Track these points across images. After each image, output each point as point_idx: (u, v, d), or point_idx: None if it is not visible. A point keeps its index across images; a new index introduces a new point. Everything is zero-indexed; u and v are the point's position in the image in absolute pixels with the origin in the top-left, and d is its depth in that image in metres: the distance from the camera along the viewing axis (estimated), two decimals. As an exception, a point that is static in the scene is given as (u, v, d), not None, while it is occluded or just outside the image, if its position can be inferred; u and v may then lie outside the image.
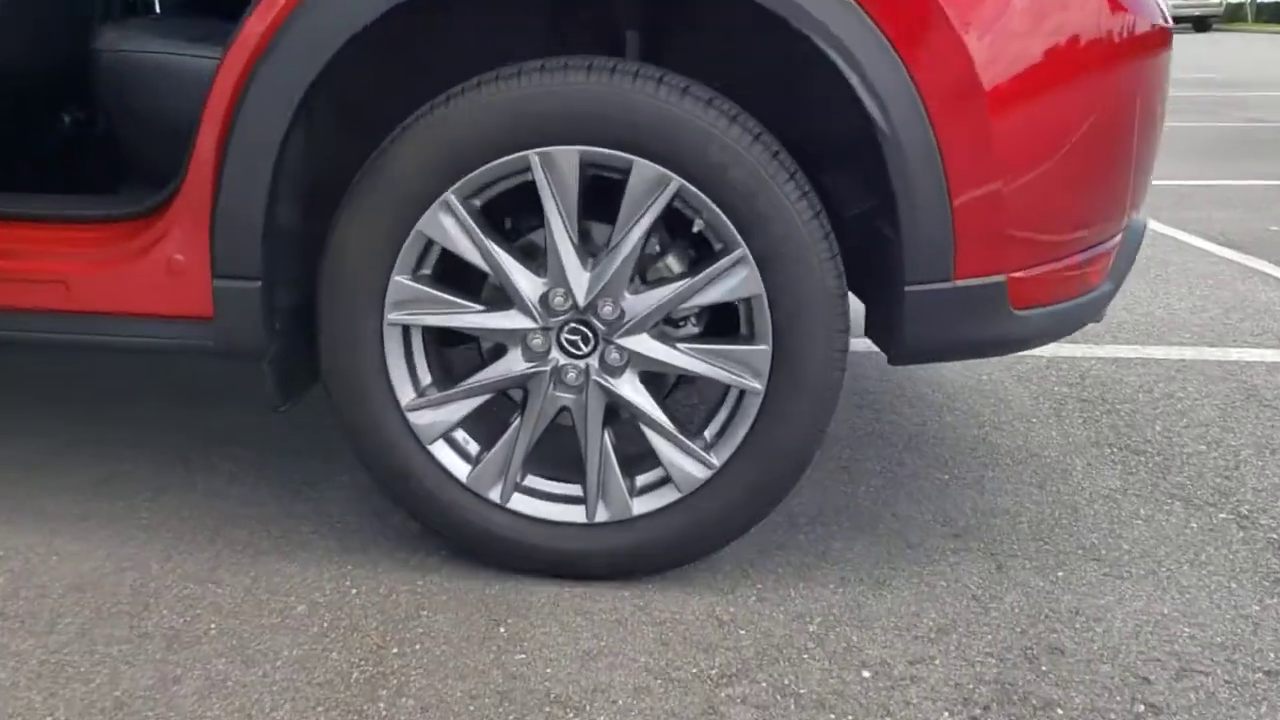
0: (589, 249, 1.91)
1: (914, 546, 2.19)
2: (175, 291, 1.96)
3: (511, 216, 2.04)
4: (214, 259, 1.89)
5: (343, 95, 2.01)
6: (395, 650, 1.81)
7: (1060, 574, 2.10)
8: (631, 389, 1.91)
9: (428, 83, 1.89)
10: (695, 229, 1.85)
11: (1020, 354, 3.32)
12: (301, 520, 2.23)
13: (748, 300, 1.85)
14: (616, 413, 1.97)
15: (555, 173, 1.80)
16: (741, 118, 1.78)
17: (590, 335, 1.90)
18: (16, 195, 2.16)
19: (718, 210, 1.79)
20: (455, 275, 1.96)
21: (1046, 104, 1.81)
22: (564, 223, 1.83)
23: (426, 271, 1.91)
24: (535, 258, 1.91)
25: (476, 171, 1.81)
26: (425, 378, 1.97)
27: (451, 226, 1.85)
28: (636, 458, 2.02)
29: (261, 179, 1.84)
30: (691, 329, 1.97)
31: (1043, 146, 1.82)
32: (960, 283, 1.83)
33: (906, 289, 1.83)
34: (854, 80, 1.73)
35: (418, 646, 1.82)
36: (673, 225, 1.94)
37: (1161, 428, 2.80)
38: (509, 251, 1.87)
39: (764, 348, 1.85)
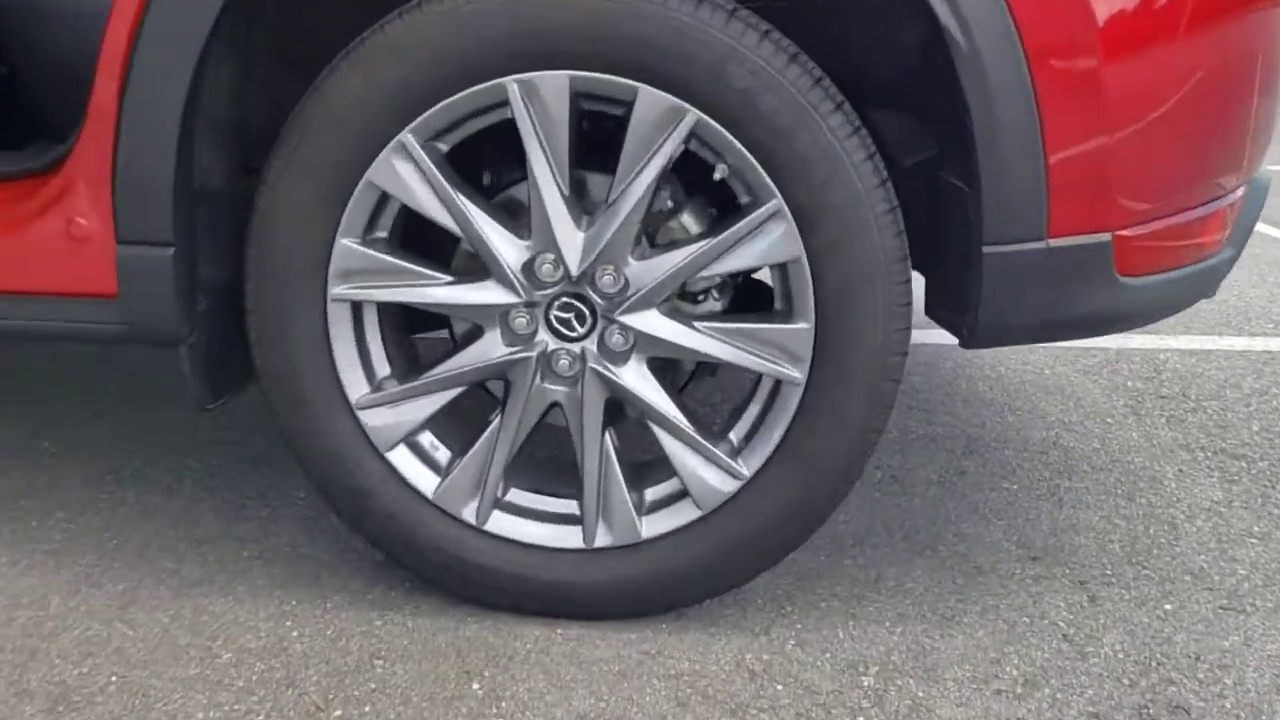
0: (584, 205, 1.53)
1: (985, 573, 1.80)
2: (77, 263, 1.58)
3: (490, 168, 1.66)
4: (116, 221, 1.52)
5: (280, 21, 1.63)
6: (338, 713, 1.42)
7: (1168, 607, 1.71)
8: (638, 379, 1.52)
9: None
10: (717, 177, 1.46)
11: (1085, 345, 2.92)
12: (244, 543, 1.85)
13: (784, 266, 1.47)
14: (621, 409, 1.59)
15: (539, 105, 1.42)
16: (774, 34, 1.39)
17: (586, 313, 1.51)
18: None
19: (745, 151, 1.41)
20: (419, 239, 1.58)
21: (1168, 22, 1.43)
22: (552, 170, 1.45)
23: (381, 234, 1.53)
24: (519, 217, 1.53)
25: (439, 105, 1.43)
26: (382, 368, 1.59)
27: (409, 175, 1.47)
28: (646, 466, 1.64)
29: (167, 125, 1.46)
30: (713, 304, 1.58)
31: (1162, 71, 1.44)
32: (1055, 242, 1.45)
33: (985, 250, 1.44)
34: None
35: (367, 709, 1.43)
36: (689, 174, 1.55)
37: (1260, 427, 2.40)
38: (484, 207, 1.49)
39: (805, 326, 1.46)
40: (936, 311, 1.66)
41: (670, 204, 1.55)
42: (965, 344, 1.53)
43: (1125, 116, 1.42)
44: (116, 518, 1.93)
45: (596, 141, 1.54)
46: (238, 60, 1.57)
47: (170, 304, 1.52)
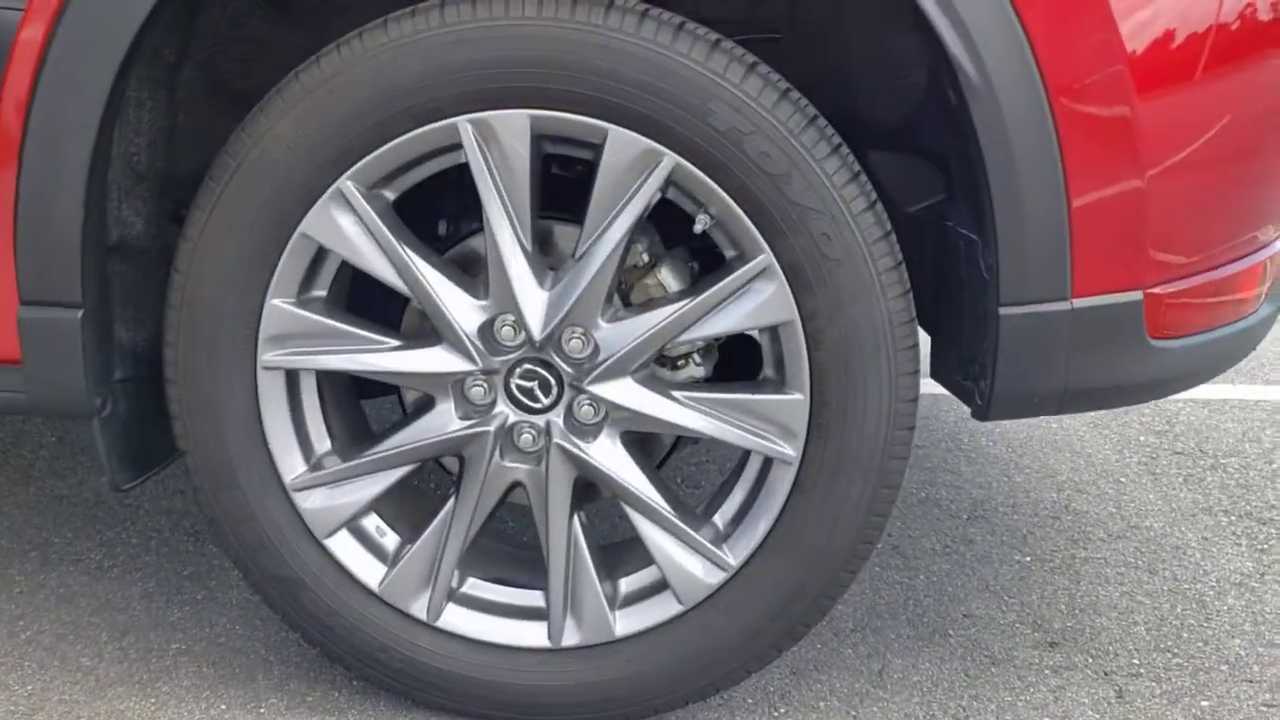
0: (550, 259, 1.36)
1: (1000, 662, 1.62)
2: (-24, 325, 1.40)
3: (447, 215, 1.49)
4: (18, 279, 1.34)
5: (212, 57, 1.46)
6: None
7: (1205, 703, 1.53)
8: (611, 456, 1.34)
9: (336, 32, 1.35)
10: (698, 229, 1.29)
11: (1092, 396, 2.75)
12: (173, 632, 1.66)
13: (774, 330, 1.29)
14: (591, 488, 1.41)
15: (496, 149, 1.25)
16: (761, 68, 1.23)
17: (552, 381, 1.34)
18: None
19: (729, 201, 1.24)
20: (366, 297, 1.41)
21: (1205, 53, 1.27)
22: (511, 222, 1.28)
23: (319, 293, 1.36)
24: (478, 272, 1.36)
25: (383, 149, 1.26)
26: (321, 443, 1.41)
27: (349, 227, 1.29)
28: (621, 549, 1.46)
29: (73, 173, 1.28)
30: (695, 369, 1.40)
31: (1199, 107, 1.28)
32: (1080, 302, 1.28)
33: (1001, 311, 1.27)
34: (940, 20, 1.18)
35: (296, 843, 1.25)
36: (667, 223, 1.38)
37: (1285, 488, 2.23)
38: (435, 263, 1.32)
39: (798, 397, 1.29)
40: (945, 376, 1.49)
41: (646, 258, 1.38)
42: (979, 415, 1.35)
43: (1158, 158, 1.26)
44: (33, 604, 1.73)
45: (565, 186, 1.37)
46: (163, 101, 1.40)
47: (78, 373, 1.34)
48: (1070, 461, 2.35)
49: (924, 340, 1.53)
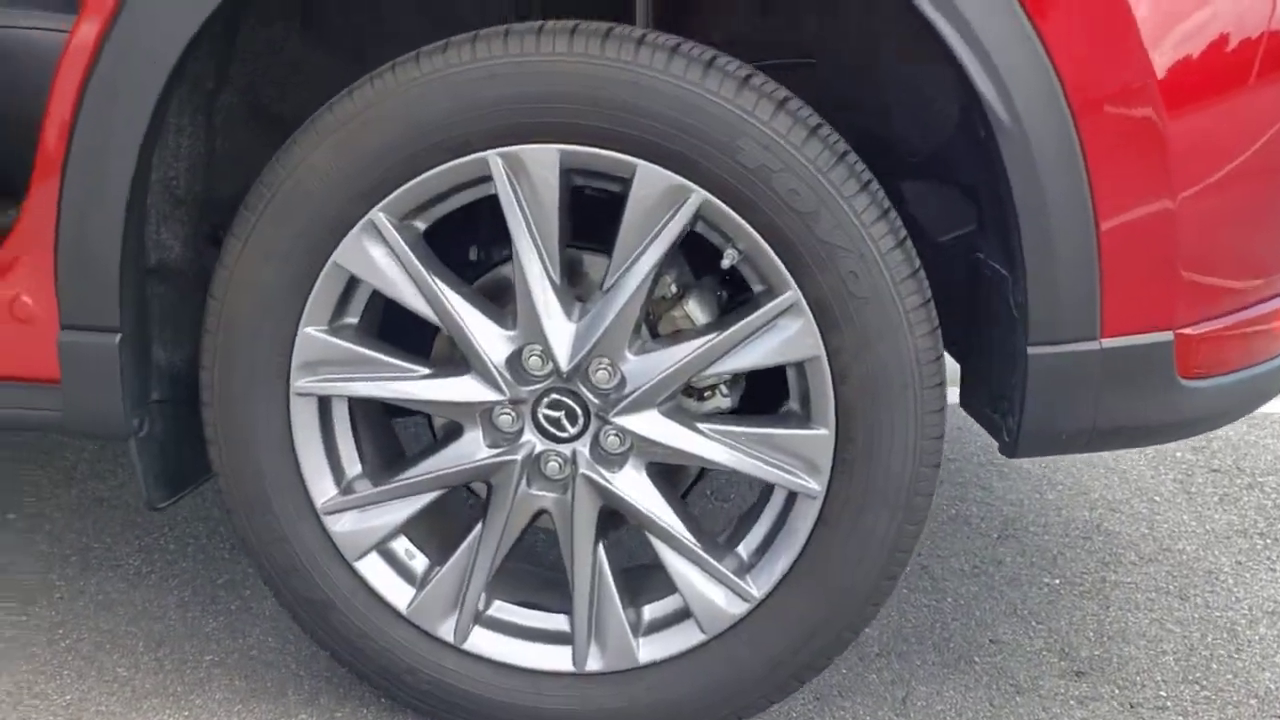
0: (578, 289, 1.37)
1: (1025, 692, 1.61)
2: (19, 345, 1.43)
3: (479, 242, 1.50)
4: (60, 303, 1.37)
5: (250, 81, 1.48)
6: None
7: (1233, 739, 1.52)
8: (635, 486, 1.35)
9: (373, 58, 1.36)
10: (725, 264, 1.29)
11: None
12: (207, 643, 1.69)
13: (800, 365, 1.29)
14: (616, 515, 1.42)
15: (526, 183, 1.26)
16: (791, 103, 1.23)
17: (578, 410, 1.35)
18: None
19: (758, 237, 1.24)
20: (397, 321, 1.42)
21: (1240, 95, 1.25)
22: (540, 254, 1.29)
23: (350, 320, 1.37)
24: (505, 301, 1.37)
25: (414, 182, 1.28)
26: (353, 466, 1.43)
27: (381, 258, 1.31)
28: (645, 574, 1.47)
29: (115, 195, 1.31)
30: (721, 400, 1.41)
31: (1232, 149, 1.26)
32: (1109, 343, 1.27)
33: (1029, 351, 1.26)
34: (956, 44, 1.18)
35: None
36: (695, 254, 1.39)
37: (1324, 510, 2.20)
38: (464, 293, 1.33)
39: (823, 433, 1.29)
40: (974, 408, 1.48)
41: (674, 289, 1.38)
42: (1006, 452, 1.35)
43: (1190, 188, 1.24)
44: (73, 611, 1.77)
45: (593, 208, 1.38)
46: (201, 127, 1.42)
47: (116, 396, 1.37)
48: (1104, 478, 2.33)
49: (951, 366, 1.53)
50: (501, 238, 1.40)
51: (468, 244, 1.50)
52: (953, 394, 1.42)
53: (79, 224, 1.32)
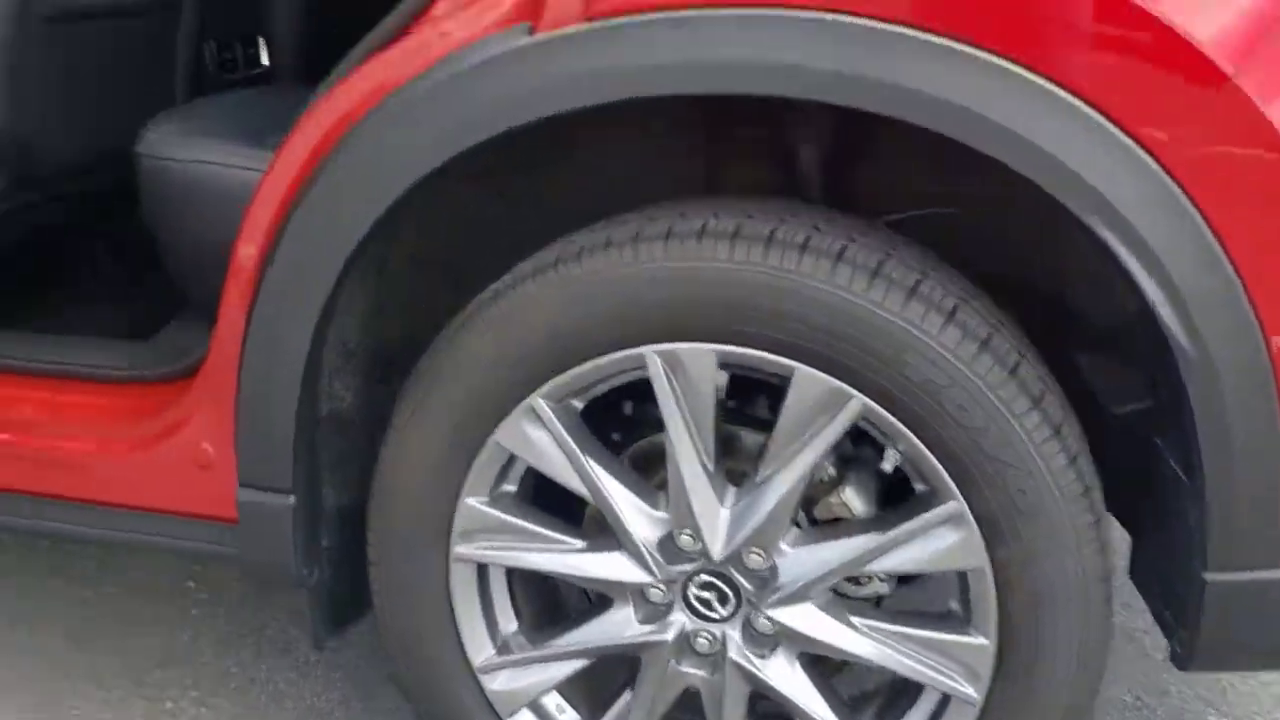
0: (731, 471, 1.35)
1: None
2: (201, 487, 1.52)
3: (634, 404, 1.50)
4: (239, 459, 1.43)
5: (419, 236, 1.51)
6: None
7: None
8: (785, 675, 1.34)
9: (543, 224, 1.37)
10: (886, 468, 1.26)
11: None
12: (369, 750, 1.77)
13: (963, 573, 1.26)
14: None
15: (682, 377, 1.25)
16: (962, 312, 1.18)
17: (729, 593, 1.34)
18: (26, 336, 1.75)
19: (922, 447, 1.20)
20: (551, 488, 1.44)
21: None
22: (694, 443, 1.28)
23: (509, 488, 1.40)
24: (656, 469, 1.37)
25: (573, 372, 1.28)
26: (508, 624, 1.46)
27: (540, 439, 1.33)
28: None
29: (293, 361, 1.36)
30: (879, 586, 1.38)
31: None
32: (1298, 570, 1.18)
33: (1206, 577, 1.19)
34: (1135, 266, 1.12)
35: None
36: (855, 439, 1.35)
37: None
38: (614, 472, 1.34)
39: (984, 642, 1.25)
40: (1144, 588, 1.41)
41: (832, 472, 1.36)
42: (1179, 665, 1.28)
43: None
44: (245, 702, 1.87)
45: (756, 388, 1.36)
46: (372, 282, 1.46)
47: (288, 550, 1.43)
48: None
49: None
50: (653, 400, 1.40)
51: (624, 400, 1.50)
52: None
53: (258, 392, 1.38)
